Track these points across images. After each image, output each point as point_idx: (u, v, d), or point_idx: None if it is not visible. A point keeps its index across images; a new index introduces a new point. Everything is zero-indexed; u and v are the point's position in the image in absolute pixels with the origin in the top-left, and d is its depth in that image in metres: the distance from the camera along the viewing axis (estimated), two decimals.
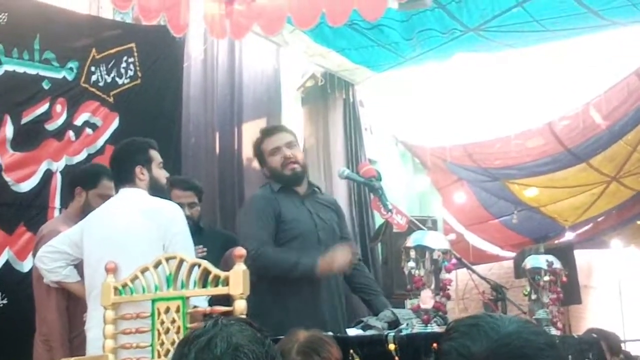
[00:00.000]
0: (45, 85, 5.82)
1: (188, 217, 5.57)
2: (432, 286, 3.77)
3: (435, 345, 3.34)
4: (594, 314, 11.47)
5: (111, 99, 6.30)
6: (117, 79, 6.37)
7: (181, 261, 3.55)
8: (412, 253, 3.79)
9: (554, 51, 8.88)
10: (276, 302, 4.60)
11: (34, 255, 4.79)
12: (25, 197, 5.64)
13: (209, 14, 6.79)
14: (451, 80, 9.67)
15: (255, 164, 8.09)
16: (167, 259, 3.62)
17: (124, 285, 3.71)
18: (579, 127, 9.08)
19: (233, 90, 7.87)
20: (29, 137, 5.69)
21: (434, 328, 3.70)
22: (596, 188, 10.29)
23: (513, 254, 10.87)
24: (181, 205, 5.49)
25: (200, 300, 3.83)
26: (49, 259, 4.51)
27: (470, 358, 1.69)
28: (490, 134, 10.03)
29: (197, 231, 5.37)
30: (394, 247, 7.07)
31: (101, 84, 6.24)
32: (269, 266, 4.53)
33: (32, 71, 5.74)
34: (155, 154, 4.57)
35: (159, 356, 3.49)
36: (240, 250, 3.42)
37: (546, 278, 4.53)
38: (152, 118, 6.51)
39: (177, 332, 3.46)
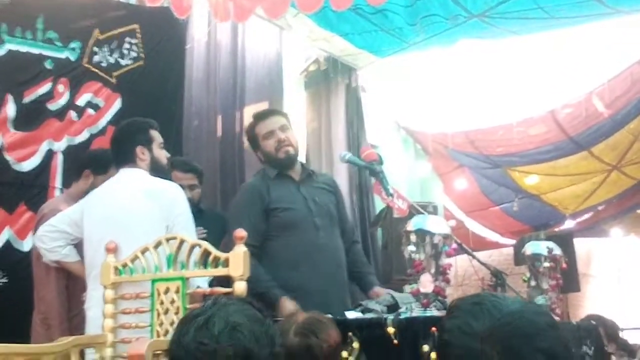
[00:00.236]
0: (48, 65, 5.82)
1: (188, 199, 5.56)
2: (432, 270, 3.78)
3: (434, 329, 3.35)
4: (592, 303, 11.49)
5: (114, 80, 6.29)
6: (119, 60, 6.36)
7: (181, 242, 3.56)
8: (413, 237, 3.80)
9: (557, 39, 8.86)
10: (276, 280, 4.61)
11: (34, 235, 4.80)
12: (26, 177, 5.64)
13: None
14: (454, 66, 9.64)
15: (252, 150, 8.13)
16: (168, 240, 3.63)
17: (124, 265, 3.72)
18: (582, 116, 9.07)
19: (235, 73, 7.86)
20: (30, 117, 5.69)
21: (433, 312, 3.71)
22: (597, 176, 10.28)
23: (513, 241, 10.89)
24: (182, 187, 5.50)
25: (201, 281, 3.84)
26: (49, 238, 4.52)
27: (472, 336, 1.70)
28: (493, 121, 10.01)
29: (198, 213, 5.37)
30: (394, 233, 7.07)
31: (104, 64, 6.23)
32: None
33: (35, 51, 5.73)
34: (156, 134, 4.57)
35: (158, 336, 3.50)
36: (241, 232, 3.43)
37: (546, 264, 4.53)
38: (155, 100, 6.50)
39: (177, 313, 3.48)
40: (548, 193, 10.81)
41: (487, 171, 10.81)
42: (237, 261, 3.36)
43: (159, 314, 3.55)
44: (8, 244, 5.46)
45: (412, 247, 3.78)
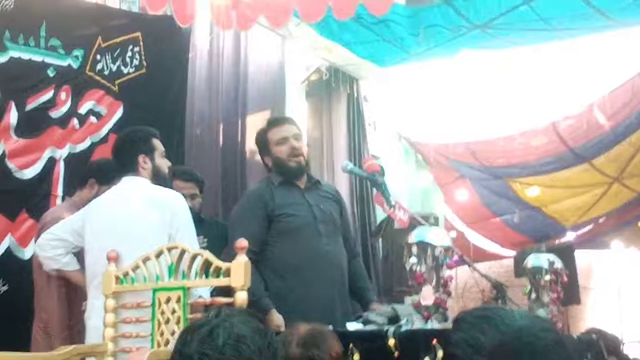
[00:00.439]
0: (51, 73, 5.81)
1: (189, 208, 5.57)
2: (433, 282, 3.78)
3: (435, 341, 3.35)
4: (592, 315, 11.49)
5: (116, 88, 6.29)
6: (122, 68, 6.36)
7: (183, 251, 3.55)
8: (414, 249, 3.80)
9: (559, 50, 8.87)
10: (280, 292, 4.59)
11: (36, 242, 4.79)
12: (28, 184, 5.62)
13: (215, 4, 6.79)
14: (456, 77, 9.66)
15: (259, 156, 8.13)
16: (169, 249, 3.62)
17: (126, 274, 3.72)
18: (583, 127, 9.07)
19: (238, 82, 7.87)
20: (33, 124, 5.67)
21: (434, 324, 3.70)
22: (598, 189, 10.27)
23: (513, 253, 10.88)
24: (182, 196, 5.51)
25: (203, 290, 3.84)
26: (49, 246, 4.51)
27: (479, 350, 1.70)
28: (494, 132, 10.02)
29: (198, 222, 5.37)
30: (395, 243, 7.08)
31: (106, 72, 6.23)
32: None
33: (37, 58, 5.72)
34: (157, 143, 4.56)
35: (159, 346, 3.49)
36: (242, 242, 3.42)
37: (547, 277, 4.53)
38: (157, 108, 6.51)
39: (177, 323, 3.47)
40: (549, 205, 10.80)
41: (488, 182, 10.80)
42: (239, 271, 3.35)
43: (159, 324, 3.54)
44: (9, 251, 5.44)
45: (413, 259, 3.78)
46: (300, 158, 4.86)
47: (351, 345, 3.56)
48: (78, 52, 6.01)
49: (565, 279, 4.70)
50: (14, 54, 5.56)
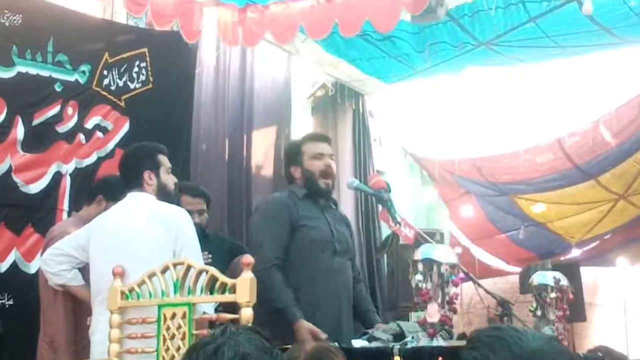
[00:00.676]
0: (58, 88, 5.83)
1: (196, 224, 5.57)
2: (439, 300, 3.77)
3: (440, 358, 3.34)
4: (598, 332, 11.43)
5: (122, 103, 6.31)
6: (128, 83, 6.38)
7: (188, 267, 3.55)
8: (420, 266, 3.79)
9: (565, 67, 8.88)
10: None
11: (41, 257, 4.79)
12: (34, 199, 5.64)
13: (221, 21, 6.83)
14: (461, 93, 9.67)
15: (265, 171, 8.16)
16: (175, 265, 3.62)
17: (131, 290, 3.71)
18: (589, 144, 9.06)
19: (244, 98, 7.89)
20: (39, 139, 5.69)
21: (440, 342, 3.69)
22: (604, 205, 10.25)
23: (518, 269, 10.84)
24: (190, 212, 5.50)
25: (207, 307, 3.83)
26: (54, 261, 4.51)
27: None
28: (499, 149, 10.02)
29: (204, 238, 5.37)
30: (400, 259, 7.08)
31: (113, 87, 6.25)
32: (267, 288, 4.32)
33: (44, 73, 5.74)
34: (164, 159, 4.55)
35: None
36: (248, 258, 3.42)
37: (553, 295, 4.52)
38: (163, 123, 6.53)
39: (183, 339, 3.46)
40: (554, 221, 10.78)
41: (493, 198, 10.79)
42: (244, 288, 3.34)
43: (165, 340, 3.53)
44: (15, 265, 5.45)
45: (419, 276, 3.78)
46: (330, 181, 4.82)
47: None
48: (85, 68, 6.04)
49: (571, 296, 4.70)
50: (22, 69, 5.59)
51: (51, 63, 5.78)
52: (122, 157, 4.79)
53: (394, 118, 10.54)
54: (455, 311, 3.82)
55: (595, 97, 9.31)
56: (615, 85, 9.13)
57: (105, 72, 6.20)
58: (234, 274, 3.49)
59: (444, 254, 3.88)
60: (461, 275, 3.96)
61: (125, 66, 6.37)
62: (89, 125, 6.06)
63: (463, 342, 2.77)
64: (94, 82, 6.10)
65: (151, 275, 3.64)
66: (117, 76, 6.30)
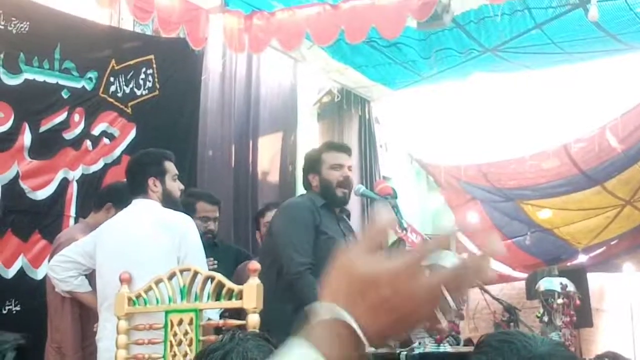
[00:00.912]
0: (65, 95, 5.85)
1: (211, 231, 5.60)
2: None
3: None
4: (605, 338, 11.41)
5: (129, 110, 6.33)
6: (135, 90, 6.40)
7: (195, 273, 3.56)
8: (427, 272, 3.79)
9: (571, 73, 8.88)
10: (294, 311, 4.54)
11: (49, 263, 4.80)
12: (41, 205, 5.66)
13: (228, 27, 6.84)
14: (467, 99, 9.68)
15: (271, 177, 8.16)
16: (182, 271, 3.63)
17: (138, 296, 3.72)
18: (595, 150, 9.05)
19: (250, 104, 7.90)
20: (46, 146, 5.71)
21: (447, 348, 3.69)
22: (610, 211, 10.23)
23: (525, 275, 10.84)
24: (207, 219, 5.53)
25: (212, 313, 3.84)
26: (61, 268, 4.52)
27: None
28: (505, 155, 10.01)
29: (213, 246, 5.40)
30: None
31: (119, 94, 6.27)
32: (302, 290, 4.41)
33: (51, 80, 5.76)
34: (170, 166, 4.55)
35: None
36: (255, 265, 3.43)
37: (559, 300, 4.52)
38: (169, 130, 6.54)
39: (190, 344, 3.47)
40: (561, 227, 10.75)
41: (499, 204, 10.78)
42: (251, 294, 3.35)
43: (172, 346, 3.54)
44: (22, 271, 5.47)
45: None
46: (347, 190, 4.81)
47: None
48: (92, 75, 6.06)
49: (578, 302, 4.70)
50: (29, 76, 5.60)
51: (58, 70, 5.80)
52: (128, 163, 4.81)
53: (400, 124, 10.55)
54: (462, 317, 3.83)
55: (601, 103, 9.31)
56: (621, 91, 9.13)
57: (111, 79, 6.22)
58: (239, 280, 3.49)
59: (450, 260, 3.87)
60: None
61: (131, 73, 6.39)
62: (96, 131, 6.08)
63: (470, 348, 2.77)
64: (101, 89, 6.12)
65: (158, 282, 3.65)
66: (123, 83, 6.32)
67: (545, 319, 4.54)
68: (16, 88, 5.52)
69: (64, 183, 5.82)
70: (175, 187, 4.57)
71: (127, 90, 6.35)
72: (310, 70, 8.75)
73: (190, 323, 3.51)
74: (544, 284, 4.65)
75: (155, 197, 4.44)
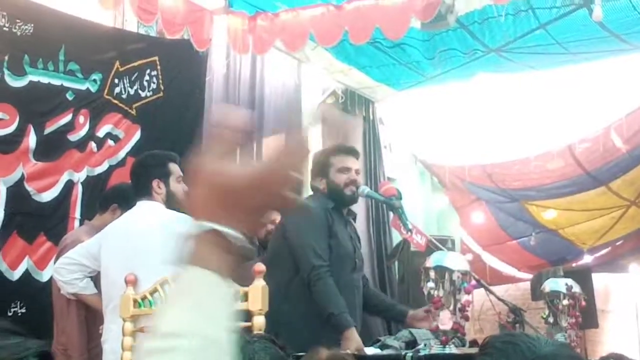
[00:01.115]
0: (69, 97, 5.86)
1: None
2: (451, 307, 3.77)
3: None
4: (611, 338, 11.39)
5: (134, 112, 6.34)
6: (140, 91, 6.41)
7: None
8: (432, 273, 3.79)
9: (575, 73, 8.87)
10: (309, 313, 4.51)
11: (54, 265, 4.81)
12: (46, 207, 5.66)
13: (232, 28, 6.85)
14: (472, 100, 9.66)
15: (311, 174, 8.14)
16: None
17: (144, 298, 3.72)
18: (599, 151, 9.03)
19: (254, 105, 7.90)
20: (51, 148, 5.72)
21: (452, 349, 3.69)
22: (615, 212, 10.21)
23: (530, 276, 10.82)
24: None
25: None
26: (66, 270, 4.53)
27: None
28: (510, 155, 9.99)
29: None
30: (411, 266, 7.07)
31: (124, 96, 6.28)
32: (319, 293, 4.38)
33: (56, 82, 5.77)
34: (174, 168, 4.55)
35: None
36: (260, 266, 3.42)
37: (565, 302, 4.51)
38: (174, 131, 6.54)
39: None
40: (566, 228, 10.73)
41: (504, 205, 10.77)
42: (256, 295, 3.35)
43: None
44: (27, 273, 5.47)
45: (431, 284, 3.77)
46: (354, 195, 4.76)
47: None
48: (96, 76, 6.06)
49: (583, 303, 4.68)
50: (33, 78, 5.61)
51: (62, 72, 5.80)
52: (132, 165, 4.82)
53: (404, 125, 10.54)
54: (467, 318, 3.82)
55: (606, 103, 9.28)
56: (625, 91, 9.09)
57: (116, 81, 6.23)
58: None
59: (455, 262, 3.87)
60: (473, 282, 3.95)
61: (136, 74, 6.40)
62: (101, 133, 6.08)
63: (475, 350, 2.77)
64: (105, 91, 6.13)
65: (163, 283, 3.64)
66: (128, 84, 6.32)
67: (551, 320, 4.52)
68: (21, 90, 5.52)
69: (69, 185, 5.82)
70: (180, 188, 4.56)
71: (132, 92, 6.36)
72: (314, 71, 8.75)
73: None
74: (549, 285, 4.63)
75: (160, 198, 4.44)
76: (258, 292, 3.35)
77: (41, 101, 5.69)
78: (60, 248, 4.96)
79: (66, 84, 5.84)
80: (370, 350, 4.09)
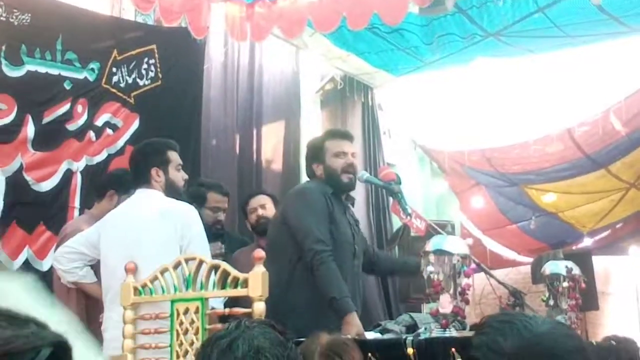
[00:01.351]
0: (67, 86, 5.86)
1: (219, 222, 5.64)
2: (451, 291, 3.77)
3: (453, 349, 3.34)
4: (611, 321, 11.41)
5: (132, 100, 6.33)
6: (138, 80, 6.40)
7: (200, 262, 3.55)
8: (432, 257, 3.79)
9: (574, 56, 8.86)
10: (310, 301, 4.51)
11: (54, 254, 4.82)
12: (45, 197, 5.67)
13: (229, 16, 6.84)
14: (470, 84, 9.66)
15: (275, 165, 8.17)
16: (187, 260, 3.62)
17: (144, 286, 3.72)
18: (599, 134, 9.03)
19: (253, 93, 7.90)
20: (50, 137, 5.72)
21: (453, 333, 3.70)
22: (615, 194, 10.22)
23: (530, 260, 10.83)
24: (217, 209, 5.57)
25: (216, 301, 3.84)
26: (66, 259, 4.54)
27: (500, 354, 1.70)
28: (509, 139, 9.99)
29: (219, 235, 5.42)
30: (411, 251, 7.05)
31: (122, 85, 6.27)
32: (321, 277, 4.36)
33: (54, 71, 5.77)
34: (173, 156, 4.55)
35: (178, 357, 3.49)
36: (260, 253, 3.42)
37: (565, 284, 4.52)
38: (173, 119, 6.54)
39: (196, 333, 3.47)
40: (565, 211, 10.75)
41: (504, 189, 10.77)
42: (256, 282, 3.34)
43: (178, 335, 3.54)
44: (27, 263, 5.49)
45: (431, 268, 3.78)
46: (352, 175, 4.75)
47: (370, 354, 3.54)
48: (94, 65, 6.06)
49: (584, 285, 4.69)
50: (31, 67, 5.62)
51: (60, 61, 5.80)
52: (131, 154, 4.82)
53: (403, 110, 10.53)
54: (467, 302, 3.82)
55: (605, 86, 9.27)
56: (624, 74, 9.09)
57: (114, 70, 6.22)
58: (235, 267, 3.48)
59: (455, 245, 3.87)
60: (473, 266, 3.95)
61: (134, 63, 6.39)
62: (99, 122, 6.08)
63: None
64: (103, 80, 6.12)
65: (163, 271, 3.64)
66: (126, 73, 6.32)
67: (551, 302, 4.53)
68: (18, 80, 5.53)
69: (68, 174, 5.83)
70: (179, 176, 4.57)
71: (130, 81, 6.36)
72: (313, 58, 8.74)
73: (197, 312, 3.51)
74: (549, 268, 4.64)
75: (159, 187, 4.45)
76: (258, 279, 3.35)
77: (39, 91, 5.68)
78: (60, 237, 4.96)
79: (64, 73, 5.84)
80: (370, 335, 4.10)
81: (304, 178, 5.59)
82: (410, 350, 3.53)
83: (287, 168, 8.26)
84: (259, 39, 7.19)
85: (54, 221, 5.61)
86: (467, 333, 3.74)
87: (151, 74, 6.51)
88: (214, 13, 6.78)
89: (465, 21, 7.38)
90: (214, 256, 4.91)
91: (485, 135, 10.21)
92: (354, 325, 4.15)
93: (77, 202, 5.83)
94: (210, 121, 7.31)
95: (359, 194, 8.77)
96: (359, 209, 7.52)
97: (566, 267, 4.57)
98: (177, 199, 4.44)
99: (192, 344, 3.45)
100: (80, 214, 5.65)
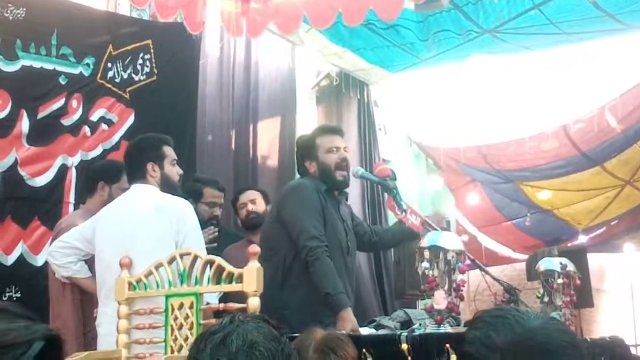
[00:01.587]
0: (62, 81, 5.84)
1: (216, 217, 5.65)
2: (446, 287, 3.77)
3: (448, 345, 3.35)
4: (606, 318, 11.45)
5: (127, 95, 6.32)
6: (133, 75, 6.39)
7: (195, 257, 3.55)
8: (427, 253, 3.79)
9: (570, 53, 8.86)
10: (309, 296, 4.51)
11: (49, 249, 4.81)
12: (40, 192, 5.66)
13: (225, 11, 6.82)
14: (466, 81, 9.66)
15: (270, 161, 8.16)
16: (182, 255, 3.62)
17: (138, 281, 3.72)
18: (594, 131, 9.05)
19: (249, 88, 7.90)
20: (44, 132, 5.71)
21: (447, 329, 3.70)
22: (610, 192, 10.25)
23: (525, 256, 10.85)
24: (214, 204, 5.58)
25: (211, 297, 3.84)
26: (61, 254, 4.54)
27: (493, 348, 1.71)
28: (505, 136, 10.01)
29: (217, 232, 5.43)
30: (407, 247, 7.05)
31: (117, 80, 6.26)
32: (316, 273, 4.36)
33: (49, 66, 5.76)
34: (168, 151, 4.56)
35: (172, 352, 3.49)
36: (255, 248, 3.42)
37: (559, 281, 4.52)
38: (168, 115, 6.53)
39: (191, 328, 3.46)
40: (561, 208, 10.77)
41: (499, 186, 10.79)
42: (251, 277, 3.34)
43: (172, 330, 3.54)
44: (22, 258, 5.48)
45: (425, 264, 3.77)
46: (346, 173, 4.76)
47: (364, 350, 3.55)
48: (89, 60, 6.05)
49: (578, 282, 4.70)
50: (26, 62, 5.60)
51: (55, 56, 5.79)
52: (126, 149, 4.81)
53: (398, 107, 10.53)
54: (462, 298, 3.82)
55: (600, 84, 9.29)
56: (620, 72, 9.11)
57: (109, 65, 6.21)
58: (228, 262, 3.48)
59: (450, 241, 3.87)
60: (468, 262, 3.95)
61: (129, 58, 6.38)
62: (94, 117, 6.07)
63: None
64: (99, 75, 6.11)
65: (158, 266, 3.64)
66: (121, 68, 6.30)
67: (546, 299, 4.54)
68: (13, 75, 5.52)
69: (63, 169, 5.82)
70: (174, 172, 4.57)
71: (125, 76, 6.34)
72: (308, 54, 8.74)
73: (191, 307, 3.50)
74: (543, 264, 4.64)
75: (154, 182, 4.45)
76: (253, 274, 3.35)
77: (34, 86, 5.67)
78: (55, 232, 4.95)
79: (59, 68, 5.83)
80: (365, 331, 4.10)
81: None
82: (404, 346, 3.53)
83: (282, 164, 8.25)
84: (255, 35, 7.17)
85: (48, 216, 5.60)
86: (462, 329, 3.74)
87: (146, 69, 6.49)
88: (210, 8, 6.76)
89: (461, 18, 7.38)
90: (208, 241, 4.94)
91: (480, 132, 10.22)
92: (348, 321, 4.15)
93: (72, 197, 5.82)
94: (206, 116, 7.29)
95: (354, 189, 8.78)
96: (354, 205, 7.52)
97: (561, 264, 4.58)
98: (172, 194, 4.44)
99: (186, 339, 3.45)
100: (75, 209, 5.64)
